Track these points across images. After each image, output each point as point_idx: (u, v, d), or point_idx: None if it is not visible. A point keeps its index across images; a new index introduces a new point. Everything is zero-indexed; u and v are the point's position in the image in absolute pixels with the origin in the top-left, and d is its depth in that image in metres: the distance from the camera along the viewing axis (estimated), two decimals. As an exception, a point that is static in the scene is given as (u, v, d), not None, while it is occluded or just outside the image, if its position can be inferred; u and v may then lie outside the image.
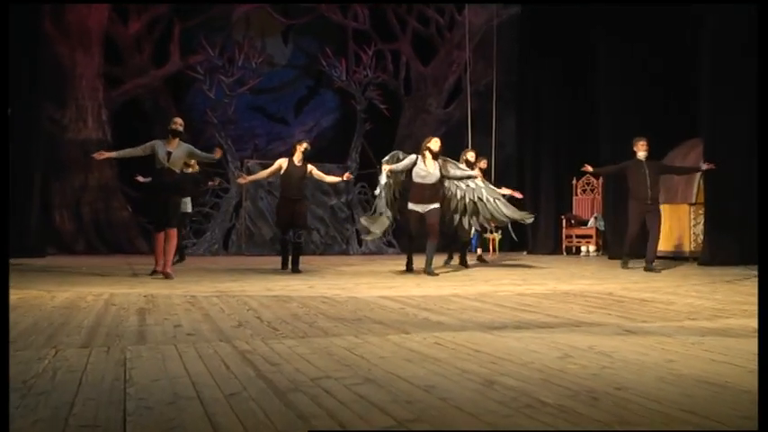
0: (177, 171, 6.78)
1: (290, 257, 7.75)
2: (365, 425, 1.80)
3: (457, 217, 7.69)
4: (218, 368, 2.47)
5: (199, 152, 7.06)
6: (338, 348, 2.85)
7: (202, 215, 11.99)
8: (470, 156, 8.47)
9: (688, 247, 9.50)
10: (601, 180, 11.45)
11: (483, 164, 8.59)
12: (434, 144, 7.32)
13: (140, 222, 12.08)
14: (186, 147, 6.85)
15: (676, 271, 7.42)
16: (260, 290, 5.50)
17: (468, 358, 2.63)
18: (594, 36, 10.79)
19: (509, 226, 7.98)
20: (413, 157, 7.35)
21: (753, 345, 2.82)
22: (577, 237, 11.84)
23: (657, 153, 8.39)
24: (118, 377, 2.33)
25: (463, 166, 7.88)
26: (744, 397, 2.04)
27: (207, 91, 12.17)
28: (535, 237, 12.09)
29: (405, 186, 7.55)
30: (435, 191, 7.32)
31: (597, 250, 11.53)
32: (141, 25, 12.54)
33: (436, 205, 7.27)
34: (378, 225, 7.64)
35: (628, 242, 8.04)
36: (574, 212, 11.99)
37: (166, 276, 6.55)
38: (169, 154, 6.65)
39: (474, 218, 7.71)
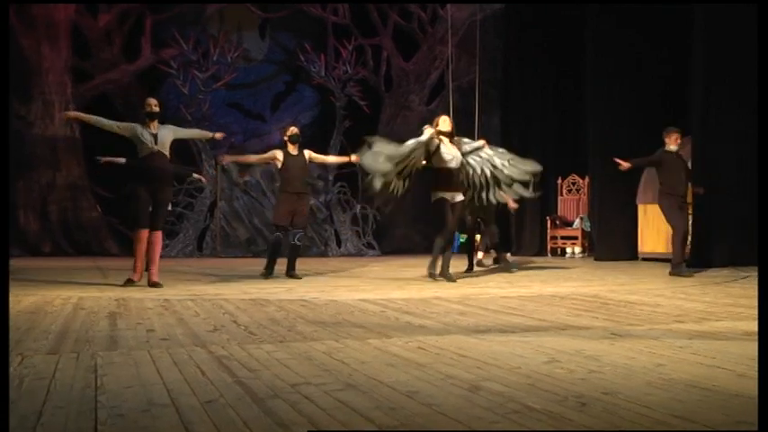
0: (167, 155, 5.98)
1: (276, 261, 6.97)
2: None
3: (484, 195, 6.89)
4: (194, 374, 2.41)
5: (185, 129, 6.52)
6: (318, 353, 2.80)
7: (175, 215, 11.80)
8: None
9: None
10: (587, 180, 11.44)
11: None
12: (444, 125, 6.59)
13: (111, 223, 11.89)
14: (169, 127, 6.19)
15: (664, 272, 7.42)
16: (236, 293, 5.41)
17: (453, 363, 2.59)
18: (583, 32, 10.63)
19: (529, 186, 7.02)
20: (435, 141, 6.50)
21: (742, 348, 2.83)
22: (563, 238, 11.82)
23: (651, 151, 7.94)
24: (88, 384, 2.26)
25: (466, 139, 7.20)
26: (734, 401, 2.03)
27: (180, 86, 11.99)
28: (520, 238, 12.00)
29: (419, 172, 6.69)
30: (460, 176, 6.68)
31: (583, 251, 11.53)
32: (111, 18, 12.32)
33: (461, 197, 6.66)
34: (383, 167, 6.27)
35: (681, 244, 7.20)
36: (559, 213, 12.00)
37: (155, 286, 5.80)
38: (155, 136, 5.91)
39: (496, 188, 6.90)
